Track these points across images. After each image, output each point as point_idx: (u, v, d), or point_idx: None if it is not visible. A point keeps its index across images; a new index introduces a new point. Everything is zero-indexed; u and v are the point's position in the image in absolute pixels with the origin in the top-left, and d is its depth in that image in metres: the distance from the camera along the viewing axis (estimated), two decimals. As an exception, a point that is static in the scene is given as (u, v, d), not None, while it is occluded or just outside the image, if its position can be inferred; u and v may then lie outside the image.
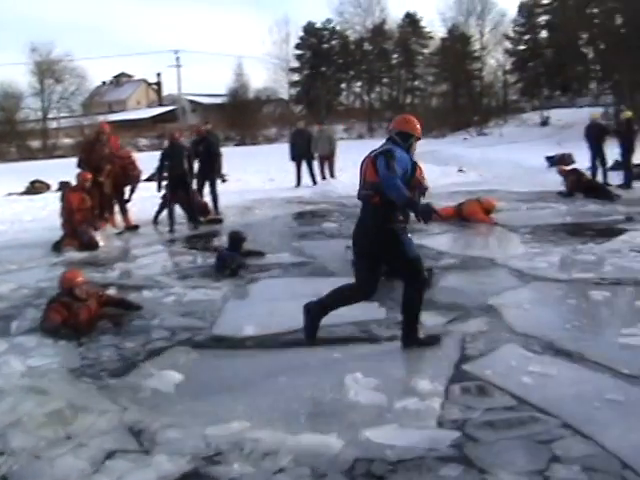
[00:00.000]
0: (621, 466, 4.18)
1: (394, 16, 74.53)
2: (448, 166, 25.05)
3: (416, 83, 75.83)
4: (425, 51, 74.29)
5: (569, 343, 6.43)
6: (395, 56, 74.64)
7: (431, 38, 73.07)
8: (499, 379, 5.58)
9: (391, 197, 5.93)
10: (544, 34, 66.92)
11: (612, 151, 20.21)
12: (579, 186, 17.76)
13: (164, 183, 14.22)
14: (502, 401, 5.18)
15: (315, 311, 6.52)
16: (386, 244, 6.22)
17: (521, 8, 67.22)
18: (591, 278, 8.95)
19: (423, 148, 25.64)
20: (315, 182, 20.95)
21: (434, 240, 11.83)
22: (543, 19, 67.08)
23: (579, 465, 4.18)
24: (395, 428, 4.73)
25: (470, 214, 13.63)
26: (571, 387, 5.44)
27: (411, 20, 75.07)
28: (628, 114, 21.27)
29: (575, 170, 18.72)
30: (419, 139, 6.50)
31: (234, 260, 9.80)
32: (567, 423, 4.74)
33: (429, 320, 7.06)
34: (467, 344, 6.48)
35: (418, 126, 6.47)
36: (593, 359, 6.01)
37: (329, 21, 77.10)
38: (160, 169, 14.22)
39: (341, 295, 6.58)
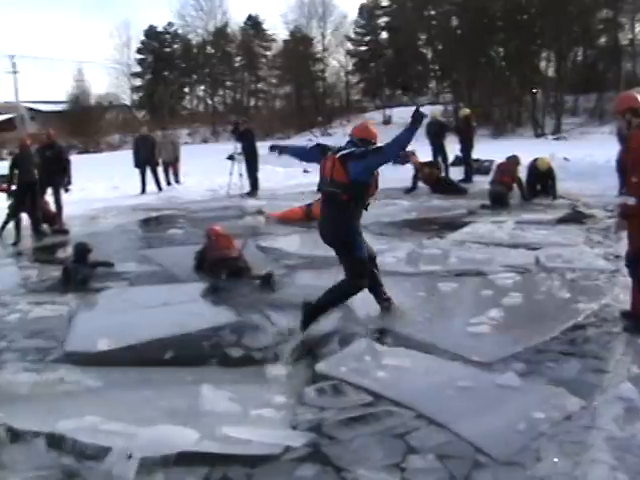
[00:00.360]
0: (474, 451, 4.31)
1: (236, 19, 74.69)
2: (293, 167, 25.07)
3: (260, 85, 75.94)
4: (268, 53, 74.55)
5: (421, 335, 6.58)
6: (238, 59, 74.52)
7: (274, 40, 73.43)
8: (354, 376, 5.61)
9: (404, 145, 6.74)
10: (384, 35, 68.43)
11: (453, 147, 20.89)
12: (430, 179, 18.23)
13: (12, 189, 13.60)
14: (357, 398, 5.21)
15: (309, 312, 6.79)
16: (344, 238, 6.83)
17: (362, 10, 68.46)
18: (438, 270, 9.23)
19: (267, 150, 25.78)
20: (160, 188, 20.60)
21: (282, 242, 11.82)
22: (383, 21, 68.55)
23: (434, 454, 4.28)
24: (251, 430, 4.68)
25: (319, 214, 13.59)
26: (425, 378, 5.56)
27: (253, 23, 75.15)
28: (466, 111, 22.03)
29: (430, 163, 19.23)
30: (376, 144, 6.87)
31: (81, 272, 9.46)
32: (422, 414, 4.84)
33: (281, 321, 7.07)
34: (320, 343, 6.50)
35: (375, 131, 7.05)
36: (445, 349, 6.17)
37: (171, 25, 76.20)
38: (10, 177, 13.61)
39: (335, 292, 6.92)
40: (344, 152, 6.71)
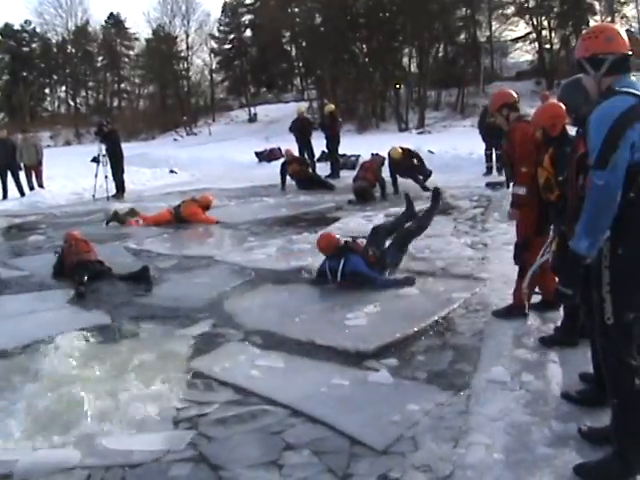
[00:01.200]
0: (350, 444, 4.34)
1: (97, 17, 73.11)
2: (159, 168, 24.83)
3: (123, 85, 74.71)
4: (131, 53, 73.42)
5: (297, 332, 6.59)
6: (100, 58, 73.08)
7: (136, 39, 72.34)
8: (228, 375, 5.58)
9: None
10: (248, 33, 68.40)
11: (319, 143, 21.12)
12: (299, 175, 18.33)
13: None
14: (232, 396, 5.17)
15: None
16: None
17: (225, 8, 68.29)
18: (308, 266, 9.22)
19: (132, 152, 25.42)
20: (23, 193, 19.91)
21: (151, 244, 11.60)
22: (247, 18, 68.61)
23: (309, 449, 4.29)
24: (131, 435, 4.61)
25: (190, 215, 13.46)
26: (301, 375, 5.56)
27: (115, 21, 73.89)
28: (331, 107, 22.26)
29: (298, 159, 19.28)
30: None
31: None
32: (297, 410, 4.84)
33: (158, 327, 7.00)
34: (196, 344, 6.41)
35: None
36: (322, 344, 6.21)
37: (28, 23, 73.68)
38: None
39: None
40: None
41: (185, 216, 13.44)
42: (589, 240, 3.60)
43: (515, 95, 6.88)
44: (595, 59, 3.77)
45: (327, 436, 4.48)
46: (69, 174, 22.74)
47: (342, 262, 8.10)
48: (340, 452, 4.26)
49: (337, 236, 8.72)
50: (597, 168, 3.55)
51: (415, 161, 16.53)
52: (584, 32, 3.98)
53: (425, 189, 15.20)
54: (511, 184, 6.99)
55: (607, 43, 3.75)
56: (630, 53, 3.78)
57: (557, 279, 5.06)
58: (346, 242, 8.50)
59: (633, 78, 3.75)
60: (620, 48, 3.76)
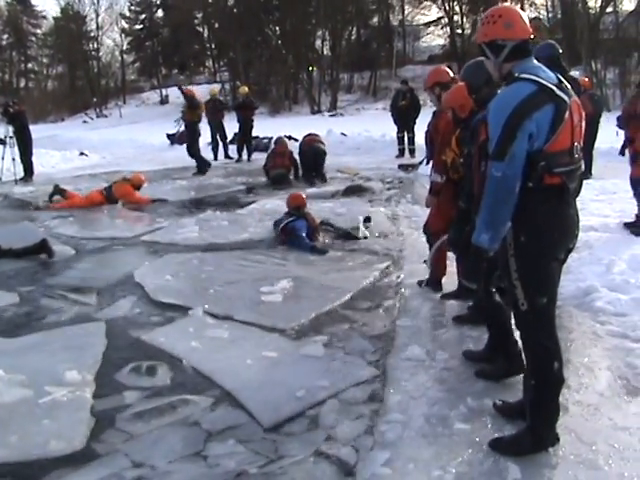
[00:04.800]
0: (263, 430, 4.29)
1: (1, -7, 70.60)
2: (69, 150, 24.29)
3: (30, 65, 72.69)
4: (38, 31, 71.39)
5: (216, 308, 6.61)
6: (5, 37, 70.88)
7: (44, 18, 70.31)
8: (169, 346, 5.63)
9: None
10: (160, 13, 67.19)
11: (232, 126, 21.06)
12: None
13: None
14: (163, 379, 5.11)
15: None
16: None
17: (136, -14, 66.97)
18: (223, 244, 9.44)
19: (40, 134, 24.79)
20: None
21: (69, 227, 11.30)
22: (159, -2, 67.34)
23: (234, 439, 4.20)
24: (46, 427, 4.39)
25: (122, 196, 13.18)
26: (229, 349, 5.61)
27: (21, -3, 71.75)
28: (245, 90, 22.13)
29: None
30: None
31: None
32: (216, 397, 4.77)
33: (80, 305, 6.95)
34: (113, 327, 6.27)
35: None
36: (241, 320, 6.28)
37: None
38: None
39: None
40: None
41: (118, 197, 13.14)
42: (489, 233, 3.57)
43: (450, 74, 6.81)
44: (494, 45, 3.71)
45: (246, 422, 4.41)
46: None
47: (290, 219, 9.32)
48: (257, 442, 4.18)
49: (305, 200, 9.76)
50: (495, 159, 3.52)
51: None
52: (484, 15, 3.86)
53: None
54: (429, 165, 7.07)
55: (506, 29, 3.67)
56: (532, 37, 3.71)
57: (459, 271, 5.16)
58: (307, 211, 9.59)
59: (535, 62, 3.68)
60: (520, 34, 3.69)
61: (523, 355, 4.12)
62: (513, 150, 3.45)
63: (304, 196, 9.85)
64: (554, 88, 3.53)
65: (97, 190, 13.59)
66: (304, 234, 9.14)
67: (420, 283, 6.97)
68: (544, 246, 3.67)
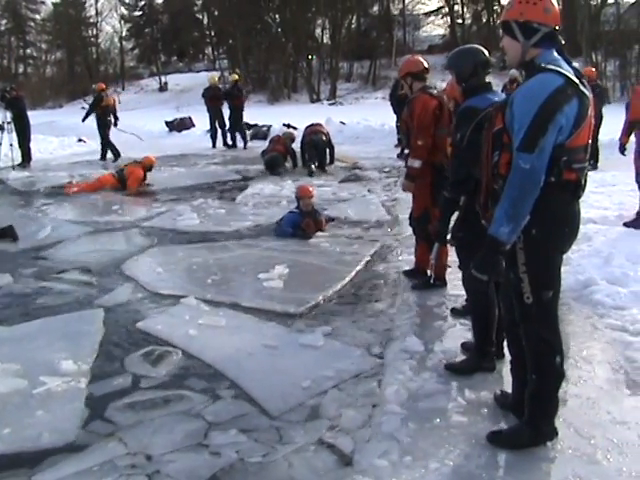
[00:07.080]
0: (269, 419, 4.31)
1: (0, -21, 70.23)
2: (67, 137, 24.21)
3: (29, 51, 72.43)
4: (37, 17, 71.10)
5: (219, 296, 6.64)
6: (4, 22, 70.61)
7: (43, 3, 70.02)
8: (166, 334, 5.62)
9: None
10: (159, 0, 66.99)
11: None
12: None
13: None
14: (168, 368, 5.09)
15: None
16: None
17: (135, -27, 66.69)
18: (223, 232, 9.48)
19: (38, 120, 24.69)
20: None
21: (62, 210, 11.38)
22: (158, -15, 67.06)
23: (236, 428, 4.19)
24: (40, 418, 4.36)
25: (129, 173, 13.33)
26: (232, 337, 5.61)
27: (19, -17, 71.43)
28: (235, 77, 22.10)
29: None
30: None
31: None
32: (218, 386, 4.76)
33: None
34: (110, 315, 6.26)
35: None
36: (245, 305, 6.34)
37: None
38: None
39: None
40: None
41: (131, 179, 13.15)
42: (510, 226, 3.44)
43: (424, 64, 6.76)
44: (529, 26, 3.57)
45: (249, 412, 4.41)
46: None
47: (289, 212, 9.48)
48: (261, 430, 4.18)
49: (313, 192, 9.66)
50: (523, 151, 3.38)
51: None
52: None
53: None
54: (406, 152, 7.08)
55: (545, 14, 3.56)
56: (558, 28, 3.61)
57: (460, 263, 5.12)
58: (313, 207, 9.52)
59: (556, 54, 3.58)
60: (554, 21, 3.60)
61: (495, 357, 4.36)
62: (543, 143, 3.36)
63: (311, 189, 9.69)
64: (578, 82, 3.46)
65: (109, 173, 13.84)
66: (290, 227, 9.10)
67: (422, 280, 6.91)
68: (555, 240, 3.64)
